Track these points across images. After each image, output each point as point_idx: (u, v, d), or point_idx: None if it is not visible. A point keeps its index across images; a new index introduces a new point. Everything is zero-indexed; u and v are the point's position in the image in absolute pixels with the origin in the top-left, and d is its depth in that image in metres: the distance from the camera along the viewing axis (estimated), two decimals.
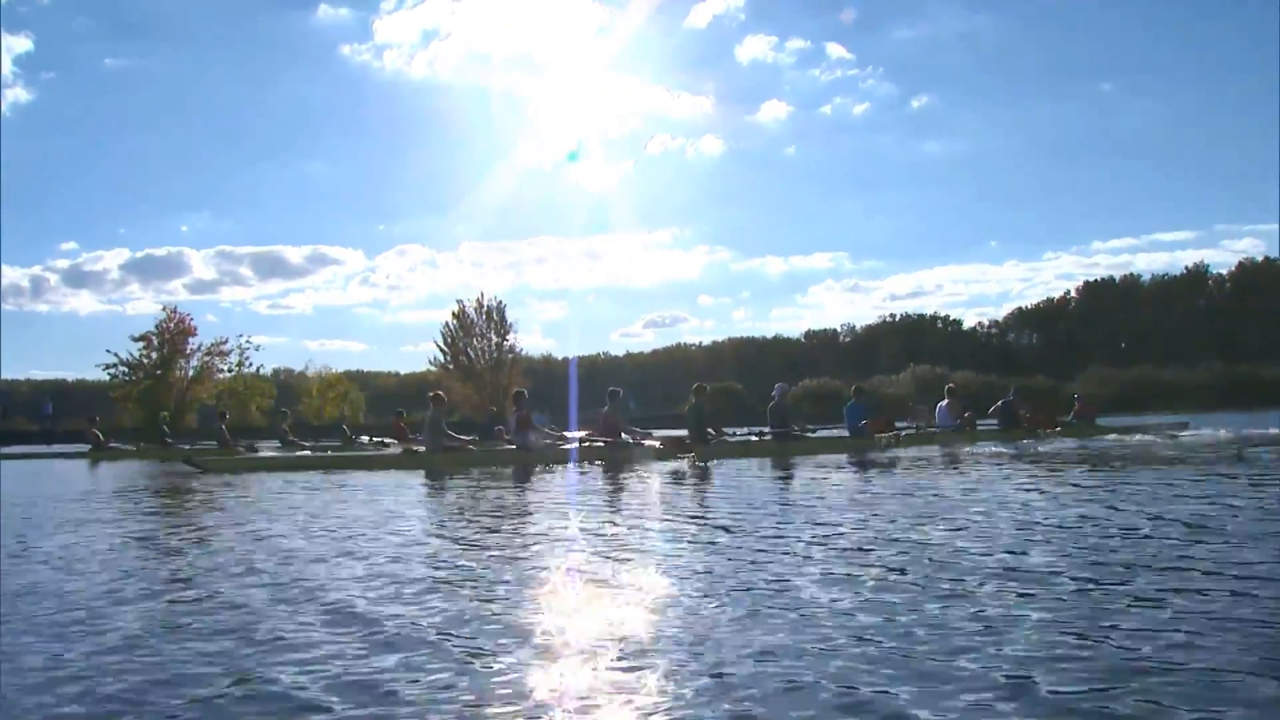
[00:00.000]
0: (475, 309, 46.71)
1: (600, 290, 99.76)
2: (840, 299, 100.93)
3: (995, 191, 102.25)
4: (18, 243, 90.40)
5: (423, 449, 13.54)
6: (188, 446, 19.66)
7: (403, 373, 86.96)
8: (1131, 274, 73.51)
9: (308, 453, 15.95)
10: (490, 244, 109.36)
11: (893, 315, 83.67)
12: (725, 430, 14.00)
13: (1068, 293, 75.74)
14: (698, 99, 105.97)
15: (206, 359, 44.06)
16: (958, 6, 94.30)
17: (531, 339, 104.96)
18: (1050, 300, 76.30)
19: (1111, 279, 73.17)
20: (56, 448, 23.66)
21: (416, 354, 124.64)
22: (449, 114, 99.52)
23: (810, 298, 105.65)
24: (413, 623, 2.84)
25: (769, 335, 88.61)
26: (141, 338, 42.96)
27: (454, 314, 46.86)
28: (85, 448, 20.25)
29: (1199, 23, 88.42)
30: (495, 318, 46.69)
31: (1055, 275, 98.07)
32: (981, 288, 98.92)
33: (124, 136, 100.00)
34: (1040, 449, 12.02)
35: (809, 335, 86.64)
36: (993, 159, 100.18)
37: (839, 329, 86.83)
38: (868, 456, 11.55)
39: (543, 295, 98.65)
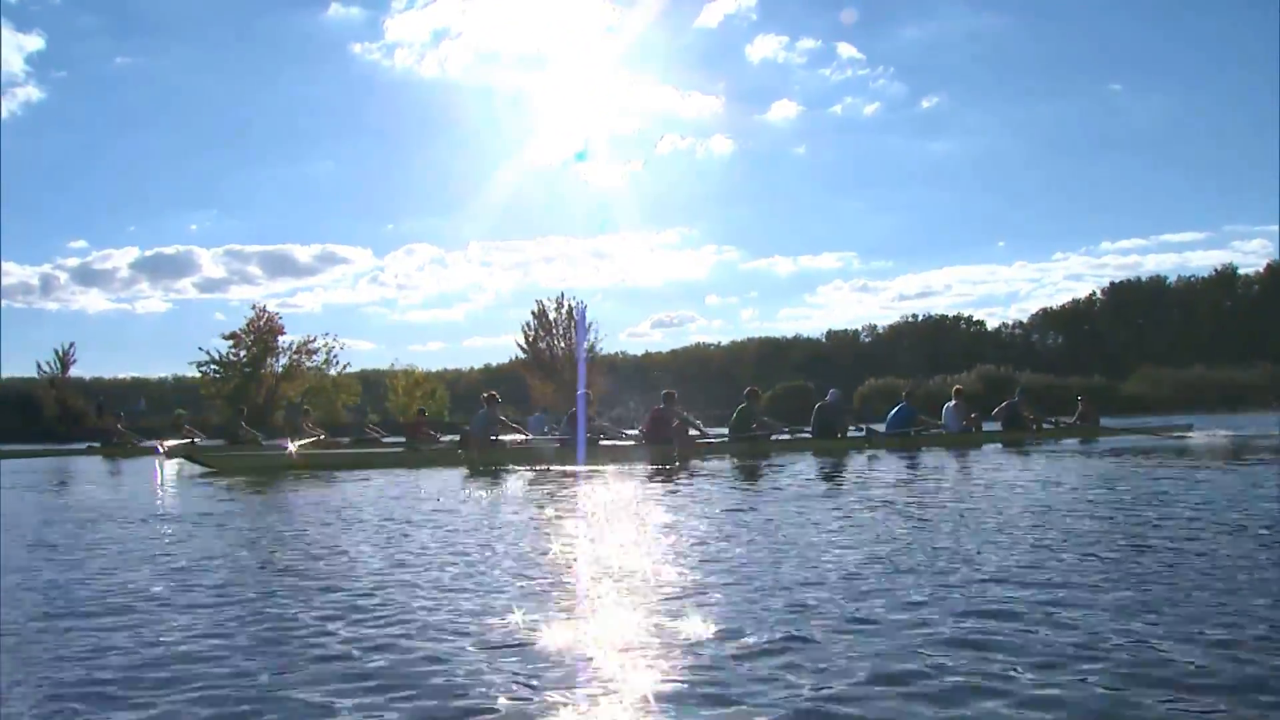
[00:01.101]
0: (555, 308, 48.55)
1: (608, 290, 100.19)
2: (849, 299, 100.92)
3: (1004, 191, 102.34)
4: (28, 241, 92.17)
5: (427, 448, 14.10)
6: (194, 441, 20.13)
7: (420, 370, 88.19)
8: (1158, 275, 73.23)
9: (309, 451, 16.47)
10: (499, 243, 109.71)
11: (914, 315, 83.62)
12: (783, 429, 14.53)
13: (1093, 294, 75.58)
14: (708, 98, 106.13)
15: (295, 357, 45.30)
16: (968, 6, 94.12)
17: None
18: (1076, 301, 76.08)
19: (1138, 279, 72.90)
20: (63, 445, 24.33)
21: (425, 353, 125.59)
22: (458, 113, 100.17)
23: (819, 297, 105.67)
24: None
25: (789, 335, 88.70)
26: (231, 336, 44.38)
27: (533, 313, 48.84)
28: (82, 445, 21.06)
29: (1209, 22, 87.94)
30: (575, 318, 48.39)
31: (1064, 275, 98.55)
32: (990, 288, 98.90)
33: (133, 135, 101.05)
34: (1042, 450, 12.39)
35: (830, 335, 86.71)
36: (1002, 159, 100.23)
37: (860, 329, 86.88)
38: (848, 457, 12.03)
39: (551, 295, 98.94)
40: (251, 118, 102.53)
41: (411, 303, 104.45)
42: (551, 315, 48.46)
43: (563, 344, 48.17)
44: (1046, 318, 77.38)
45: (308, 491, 8.68)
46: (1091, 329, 71.84)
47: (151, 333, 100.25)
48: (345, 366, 47.82)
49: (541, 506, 6.52)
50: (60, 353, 46.36)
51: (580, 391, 14.20)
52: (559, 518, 5.67)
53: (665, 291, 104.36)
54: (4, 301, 79.42)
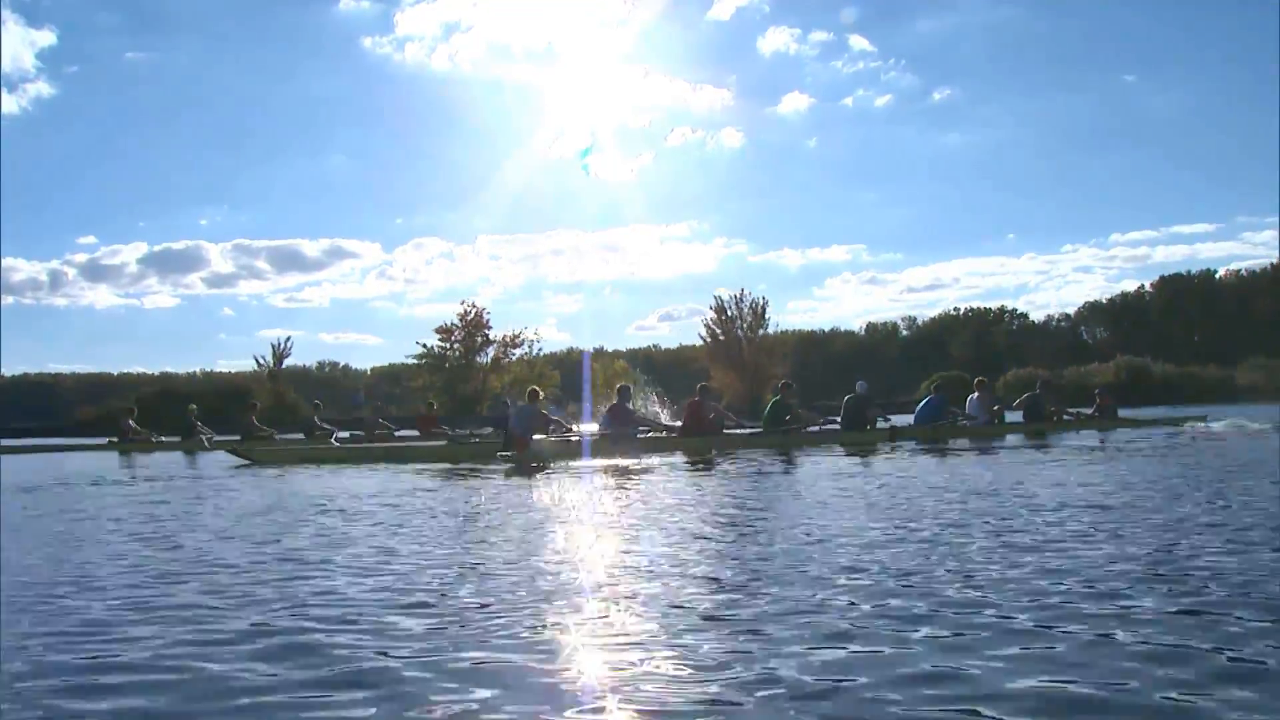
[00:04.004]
0: (735, 303, 53.66)
1: (616, 283, 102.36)
2: (857, 291, 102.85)
3: (1015, 183, 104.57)
4: (37, 237, 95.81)
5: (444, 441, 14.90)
6: (208, 438, 20.27)
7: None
8: (1208, 269, 74.32)
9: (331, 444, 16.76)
10: (507, 237, 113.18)
11: (956, 309, 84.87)
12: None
13: (1141, 286, 76.79)
14: (719, 91, 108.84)
15: (500, 350, 48.88)
16: None
17: (546, 332, 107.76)
18: (1125, 294, 77.17)
19: (1187, 273, 73.97)
20: (76, 440, 24.17)
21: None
22: (468, 107, 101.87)
23: (826, 290, 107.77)
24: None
25: (826, 329, 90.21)
26: (442, 330, 48.25)
27: (713, 308, 54.32)
28: (97, 440, 21.32)
29: (1223, 15, 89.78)
30: (757, 310, 53.58)
31: (1073, 268, 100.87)
32: (998, 280, 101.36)
33: (144, 130, 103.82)
34: (1064, 440, 13.97)
35: (869, 328, 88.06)
36: (1013, 151, 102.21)
37: (899, 322, 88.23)
38: (927, 447, 12.73)
39: (558, 288, 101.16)
40: (262, 112, 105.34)
41: (420, 297, 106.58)
42: (731, 311, 53.53)
43: (744, 339, 53.12)
44: (1094, 311, 78.42)
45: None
46: (1142, 322, 72.69)
47: (160, 328, 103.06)
48: (539, 353, 51.40)
49: (592, 505, 6.85)
50: (276, 347, 49.85)
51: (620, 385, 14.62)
52: (617, 516, 6.06)
53: (674, 284, 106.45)
54: (13, 298, 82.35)
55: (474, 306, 49.20)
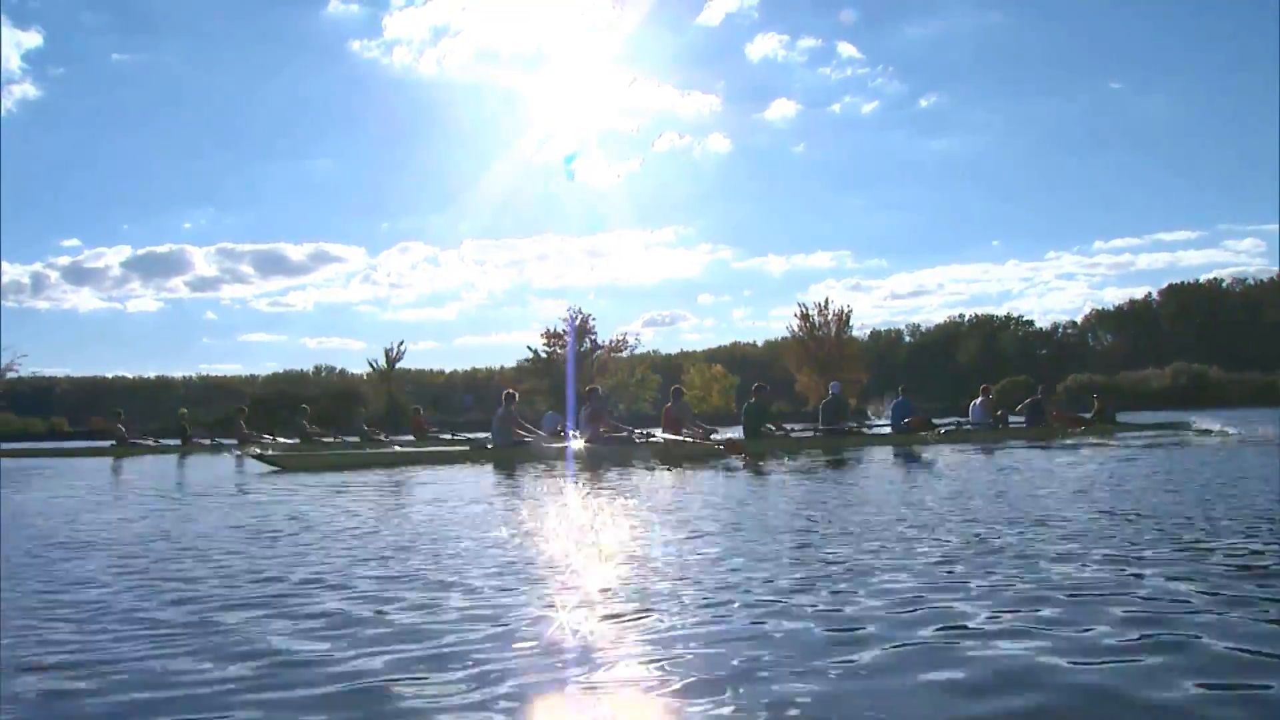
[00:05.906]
0: (818, 312, 56.89)
1: (601, 289, 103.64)
2: (841, 298, 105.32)
3: (1000, 190, 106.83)
4: (21, 239, 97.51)
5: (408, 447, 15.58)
6: (209, 441, 21.13)
7: (448, 371, 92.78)
8: (1214, 278, 75.76)
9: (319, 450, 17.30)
10: (493, 242, 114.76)
11: (961, 315, 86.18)
12: (785, 426, 16.79)
13: (1149, 294, 78.23)
14: (707, 97, 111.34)
15: (605, 353, 51.16)
16: (969, 5, 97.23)
17: (530, 336, 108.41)
18: (1133, 302, 78.56)
19: (1196, 282, 75.42)
20: (75, 444, 24.98)
21: (416, 352, 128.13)
22: (456, 111, 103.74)
23: (810, 296, 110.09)
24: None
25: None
26: (548, 335, 50.54)
27: (798, 316, 57.64)
28: (106, 444, 21.65)
29: (1209, 21, 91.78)
30: (842, 317, 56.91)
31: (1056, 275, 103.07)
32: (983, 287, 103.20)
33: (129, 132, 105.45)
34: (1065, 444, 15.03)
35: (873, 335, 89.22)
36: (999, 158, 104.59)
37: (903, 328, 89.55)
38: (910, 451, 13.37)
39: (543, 293, 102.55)
40: (249, 115, 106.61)
41: (404, 301, 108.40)
42: (815, 318, 56.98)
43: (827, 340, 56.24)
44: (1101, 318, 79.76)
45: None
46: (1150, 329, 74.02)
47: (143, 332, 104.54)
48: (630, 352, 54.01)
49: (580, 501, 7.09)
50: (390, 351, 51.21)
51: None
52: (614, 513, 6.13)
53: (659, 290, 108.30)
54: None
55: (580, 311, 51.35)
